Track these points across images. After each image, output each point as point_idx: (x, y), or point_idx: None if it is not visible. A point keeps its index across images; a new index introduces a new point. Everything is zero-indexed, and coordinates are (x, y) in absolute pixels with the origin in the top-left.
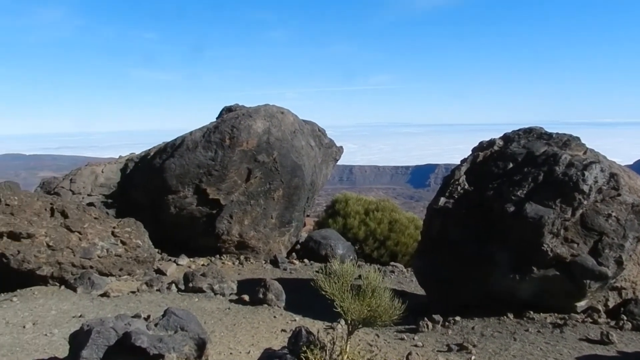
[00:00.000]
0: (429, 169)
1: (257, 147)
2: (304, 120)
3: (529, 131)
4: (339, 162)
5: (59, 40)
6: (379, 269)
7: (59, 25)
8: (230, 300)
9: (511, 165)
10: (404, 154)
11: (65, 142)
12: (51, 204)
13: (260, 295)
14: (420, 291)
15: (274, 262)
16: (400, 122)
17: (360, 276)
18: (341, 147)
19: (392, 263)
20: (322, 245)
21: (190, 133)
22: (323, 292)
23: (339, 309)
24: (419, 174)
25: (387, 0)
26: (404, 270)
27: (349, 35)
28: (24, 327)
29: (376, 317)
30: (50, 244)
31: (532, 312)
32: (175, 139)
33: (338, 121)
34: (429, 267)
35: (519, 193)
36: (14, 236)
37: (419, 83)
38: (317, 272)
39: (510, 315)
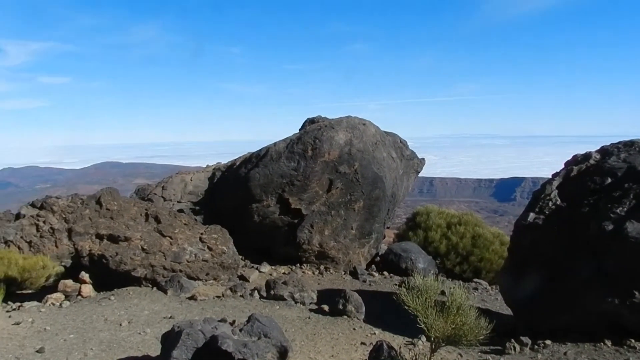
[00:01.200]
0: (515, 182)
1: (338, 158)
2: (385, 132)
3: (630, 144)
4: (420, 174)
5: (153, 56)
6: (462, 285)
7: (154, 42)
8: (310, 310)
9: (609, 180)
10: (487, 167)
11: (157, 152)
12: (146, 209)
13: (340, 306)
14: (506, 311)
15: (354, 274)
16: (484, 133)
17: (443, 292)
18: (423, 159)
19: (475, 280)
20: (403, 258)
21: (275, 144)
22: (405, 307)
23: (422, 325)
24: (504, 188)
25: (472, 8)
26: (488, 287)
27: (431, 45)
28: (121, 325)
29: (461, 336)
30: (145, 247)
31: (633, 340)
32: (260, 150)
33: (419, 132)
34: (517, 286)
35: (618, 210)
36: (113, 239)
37: (505, 93)
38: (398, 285)
39: (608, 342)
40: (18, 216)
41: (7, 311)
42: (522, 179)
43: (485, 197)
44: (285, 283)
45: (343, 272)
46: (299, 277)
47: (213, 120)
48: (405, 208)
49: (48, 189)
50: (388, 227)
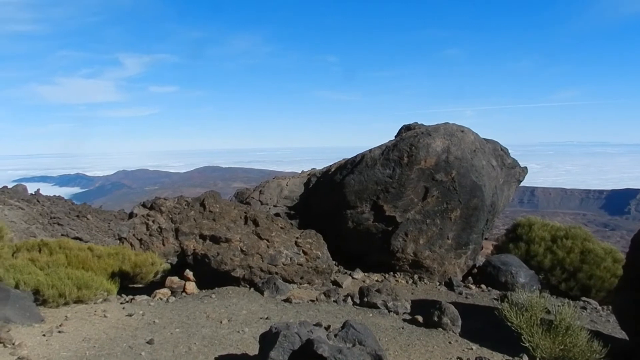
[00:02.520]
0: (629, 194)
1: (435, 165)
2: (485, 139)
3: None
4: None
5: (252, 66)
6: (569, 304)
7: (252, 53)
8: (404, 320)
9: None
10: (597, 177)
11: (255, 157)
12: (245, 212)
13: (435, 318)
14: (620, 334)
15: (449, 285)
16: (593, 141)
17: (548, 310)
18: (525, 167)
19: (583, 298)
20: (502, 271)
21: (370, 150)
22: (508, 323)
23: (527, 344)
24: (616, 200)
25: (576, 9)
26: (598, 307)
27: (531, 48)
28: (221, 322)
29: (570, 358)
30: (244, 249)
31: None
32: (355, 156)
33: (519, 140)
34: (634, 308)
35: None
36: (215, 239)
37: (616, 99)
38: (497, 300)
39: None
40: (131, 215)
41: (121, 303)
42: (636, 191)
43: (594, 210)
44: (378, 291)
45: (438, 283)
46: (392, 285)
47: (308, 128)
48: (504, 219)
49: (156, 190)
50: (486, 238)
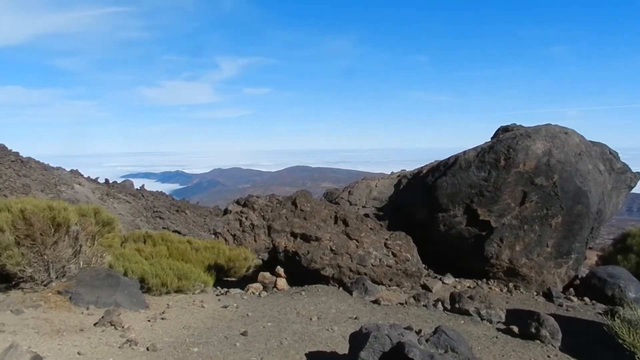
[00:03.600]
0: None
1: (535, 169)
2: (591, 142)
3: None
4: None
5: (343, 67)
6: None
7: (343, 54)
8: (498, 329)
9: None
10: None
11: (343, 157)
12: (335, 212)
13: (533, 330)
14: None
15: (548, 296)
16: None
17: None
18: (638, 173)
19: None
20: (609, 284)
21: (464, 152)
22: (619, 341)
23: None
24: None
25: None
26: None
27: None
28: (311, 319)
29: None
30: (333, 248)
31: None
32: (449, 158)
33: (630, 142)
34: None
35: None
36: (306, 238)
37: None
38: (602, 314)
39: None
40: (225, 212)
41: (217, 295)
42: None
43: None
44: (471, 297)
45: (535, 293)
46: (485, 292)
47: (397, 129)
48: (610, 227)
49: (248, 188)
50: (590, 248)
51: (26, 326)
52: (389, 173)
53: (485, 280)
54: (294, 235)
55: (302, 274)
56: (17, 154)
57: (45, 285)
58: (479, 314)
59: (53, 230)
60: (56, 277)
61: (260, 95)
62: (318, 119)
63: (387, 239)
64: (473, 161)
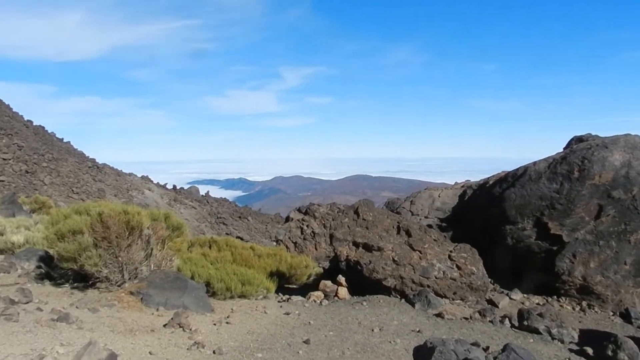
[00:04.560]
0: None
1: (612, 181)
2: None
3: None
4: None
5: (405, 76)
6: None
7: (406, 63)
8: (570, 350)
9: None
10: None
11: (404, 167)
12: (398, 222)
13: (609, 352)
14: None
15: (625, 316)
16: None
17: None
18: None
19: None
20: None
21: (534, 163)
22: None
23: None
24: None
25: None
26: None
27: None
28: (372, 330)
29: None
30: (395, 258)
31: None
32: (517, 169)
33: None
34: None
35: None
36: (368, 247)
37: None
38: None
39: None
40: (287, 219)
41: (279, 301)
42: None
43: None
44: (540, 315)
45: (611, 313)
46: (556, 310)
47: (460, 137)
48: None
49: (309, 196)
50: None
51: (102, 324)
52: (452, 183)
53: (556, 297)
54: (356, 244)
55: (363, 284)
56: (93, 160)
57: (119, 286)
58: (550, 333)
59: (127, 233)
60: (129, 278)
61: (323, 104)
62: (379, 128)
63: (451, 251)
64: (544, 172)
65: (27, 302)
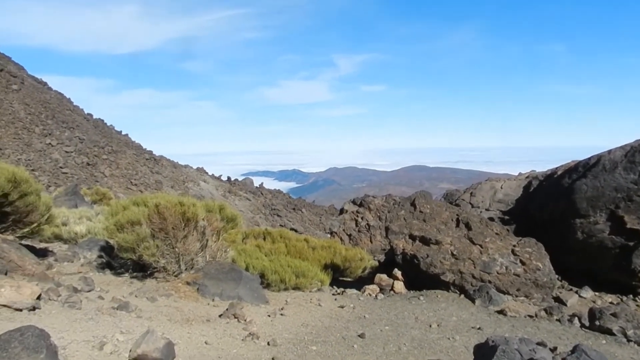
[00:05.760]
0: None
1: None
2: None
3: None
4: None
5: (464, 61)
6: None
7: (465, 47)
8: None
9: None
10: None
11: (463, 156)
12: (457, 215)
13: None
14: None
15: None
16: None
17: None
18: None
19: None
20: None
21: (609, 152)
22: None
23: None
24: None
25: None
26: None
27: None
28: (430, 326)
29: None
30: (454, 252)
31: None
32: (589, 158)
33: None
34: None
35: None
36: (425, 241)
37: None
38: None
39: None
40: (341, 211)
41: (333, 294)
42: None
43: None
44: (614, 315)
45: None
46: (632, 310)
47: (523, 125)
48: None
49: (363, 188)
50: None
51: (160, 313)
52: (516, 174)
53: (632, 296)
54: (412, 237)
55: (420, 278)
56: (150, 152)
57: (175, 276)
58: (625, 335)
59: (183, 224)
60: (185, 269)
61: (377, 93)
62: (436, 117)
63: (514, 246)
64: (620, 162)
65: (89, 291)
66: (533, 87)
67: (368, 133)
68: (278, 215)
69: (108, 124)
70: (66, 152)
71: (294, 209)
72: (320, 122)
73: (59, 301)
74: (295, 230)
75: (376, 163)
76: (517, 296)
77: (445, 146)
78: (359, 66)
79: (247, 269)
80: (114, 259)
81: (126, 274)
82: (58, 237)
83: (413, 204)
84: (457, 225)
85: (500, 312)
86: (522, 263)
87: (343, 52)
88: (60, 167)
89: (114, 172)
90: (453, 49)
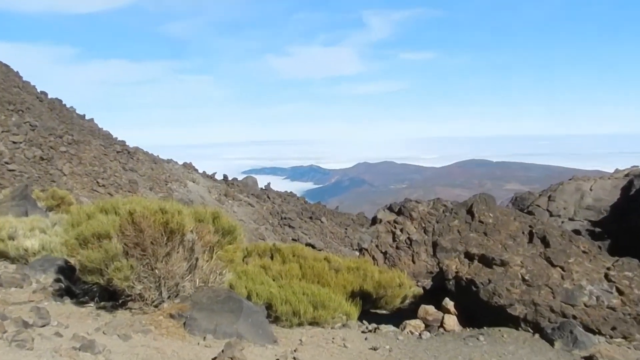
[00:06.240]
0: None
1: None
2: None
3: None
4: None
5: (540, 16)
6: None
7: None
8: None
9: None
10: None
11: (537, 148)
12: (530, 226)
13: None
14: None
15: None
16: None
17: None
18: None
19: None
20: None
21: None
22: None
23: None
24: None
25: None
26: None
27: None
28: None
29: None
30: (526, 277)
31: None
32: None
33: None
34: None
35: None
36: (486, 261)
37: None
38: None
39: None
40: (374, 221)
41: (363, 332)
42: None
43: None
44: None
45: None
46: None
47: (619, 105)
48: None
49: (403, 189)
50: None
51: (135, 356)
52: (612, 171)
53: None
54: (469, 256)
55: (479, 311)
56: (123, 143)
57: (155, 306)
58: None
59: (166, 238)
60: (168, 297)
61: (422, 62)
62: (501, 95)
63: (609, 269)
64: None
65: (43, 325)
66: (633, 50)
67: (410, 116)
68: (290, 227)
69: (68, 106)
70: (13, 142)
71: (311, 217)
72: (346, 102)
73: (4, 339)
74: (313, 247)
75: (421, 157)
76: (612, 337)
77: (514, 133)
78: (398, 26)
79: (249, 298)
80: (76, 284)
81: (91, 304)
82: (3, 255)
83: (470, 212)
84: (530, 241)
85: (589, 357)
86: (619, 292)
87: (377, 8)
88: (6, 163)
89: (76, 169)
90: (523, 2)
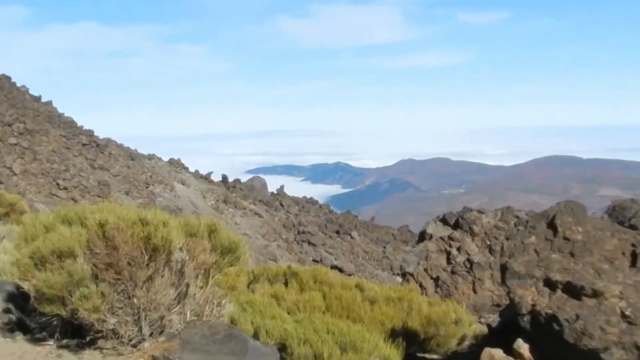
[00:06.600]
0: None
1: None
2: None
3: None
4: None
5: None
6: None
7: None
8: None
9: None
10: None
11: None
12: (633, 245)
13: None
14: None
15: None
16: None
17: None
18: None
19: None
20: None
21: None
22: None
23: None
24: None
25: None
26: None
27: None
28: None
29: None
30: (627, 312)
31: None
32: None
33: None
34: None
35: None
36: (573, 290)
37: None
38: None
39: None
40: (422, 237)
41: None
42: None
43: None
44: None
45: None
46: None
47: None
48: None
49: (462, 195)
50: None
51: None
52: None
53: None
54: (549, 283)
55: (563, 356)
56: (90, 133)
57: (134, 346)
58: None
59: (147, 257)
60: (150, 334)
61: (487, 26)
62: (596, 71)
63: None
64: None
65: None
66: None
67: (471, 99)
68: (310, 243)
69: (18, 85)
70: None
71: (337, 232)
72: (384, 79)
73: None
74: (341, 270)
75: (484, 152)
76: None
77: (611, 122)
78: None
79: (256, 336)
80: (30, 316)
81: (50, 341)
82: None
83: (552, 226)
84: (633, 264)
85: None
86: None
87: None
88: None
89: (29, 167)
90: None
